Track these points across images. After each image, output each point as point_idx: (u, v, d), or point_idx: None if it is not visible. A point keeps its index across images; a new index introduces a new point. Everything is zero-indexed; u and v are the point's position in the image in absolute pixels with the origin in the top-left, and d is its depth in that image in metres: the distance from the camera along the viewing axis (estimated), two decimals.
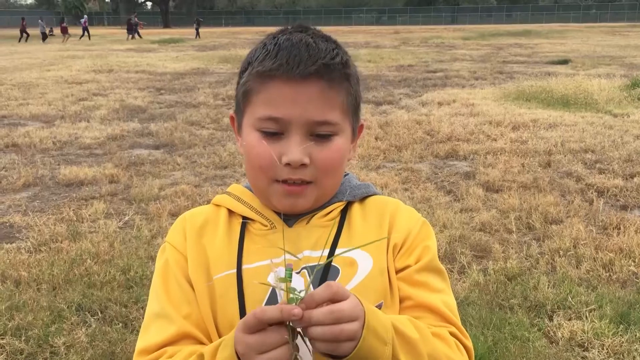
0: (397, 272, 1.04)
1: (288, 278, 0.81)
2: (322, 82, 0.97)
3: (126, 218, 4.92)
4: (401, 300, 1.03)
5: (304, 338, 0.81)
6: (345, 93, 1.01)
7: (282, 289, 0.80)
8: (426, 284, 1.03)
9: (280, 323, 0.78)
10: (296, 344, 0.80)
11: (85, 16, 44.85)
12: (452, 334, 0.98)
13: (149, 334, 1.00)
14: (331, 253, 1.02)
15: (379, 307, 0.97)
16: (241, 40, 34.50)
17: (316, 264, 1.00)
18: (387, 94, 11.77)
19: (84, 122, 9.20)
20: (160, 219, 4.80)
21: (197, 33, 40.80)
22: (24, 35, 37.40)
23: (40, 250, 4.21)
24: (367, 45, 29.48)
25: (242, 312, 0.98)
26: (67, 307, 3.34)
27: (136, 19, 42.29)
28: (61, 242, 4.30)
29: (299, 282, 0.98)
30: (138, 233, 4.49)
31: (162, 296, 1.02)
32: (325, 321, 0.77)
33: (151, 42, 34.24)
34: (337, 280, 0.99)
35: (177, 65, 18.79)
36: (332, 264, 1.01)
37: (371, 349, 0.81)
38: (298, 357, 0.80)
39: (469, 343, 1.00)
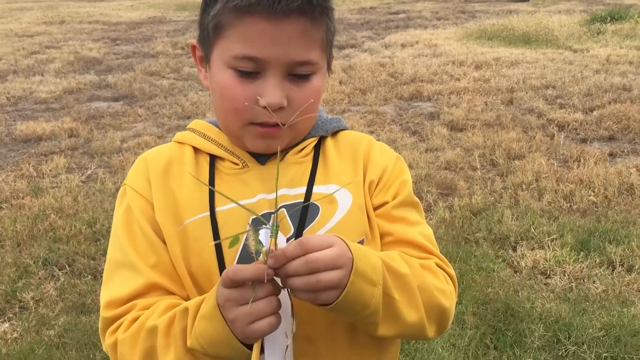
0: (375, 208, 1.02)
1: (273, 235, 0.79)
2: (304, 19, 0.89)
3: (89, 172, 4.82)
4: (381, 237, 1.01)
5: (286, 289, 0.80)
6: (325, 29, 0.95)
7: (252, 251, 0.79)
8: (404, 219, 1.01)
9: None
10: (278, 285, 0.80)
11: None
12: (437, 265, 0.98)
13: (115, 285, 0.95)
14: (308, 190, 0.98)
15: (361, 243, 0.95)
16: None
17: (294, 202, 0.97)
18: (349, 38, 11.61)
19: (38, 76, 8.86)
20: (124, 171, 4.72)
21: None
22: None
23: (1, 207, 4.11)
24: None
25: (219, 256, 0.93)
26: (34, 262, 3.30)
27: None
28: (23, 199, 4.20)
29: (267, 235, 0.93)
30: (102, 186, 4.41)
31: (125, 245, 0.97)
32: (301, 271, 0.76)
33: None
34: (317, 218, 0.96)
35: (132, 14, 18.11)
36: (312, 201, 0.97)
37: (361, 292, 0.81)
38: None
39: (452, 271, 1.01)
